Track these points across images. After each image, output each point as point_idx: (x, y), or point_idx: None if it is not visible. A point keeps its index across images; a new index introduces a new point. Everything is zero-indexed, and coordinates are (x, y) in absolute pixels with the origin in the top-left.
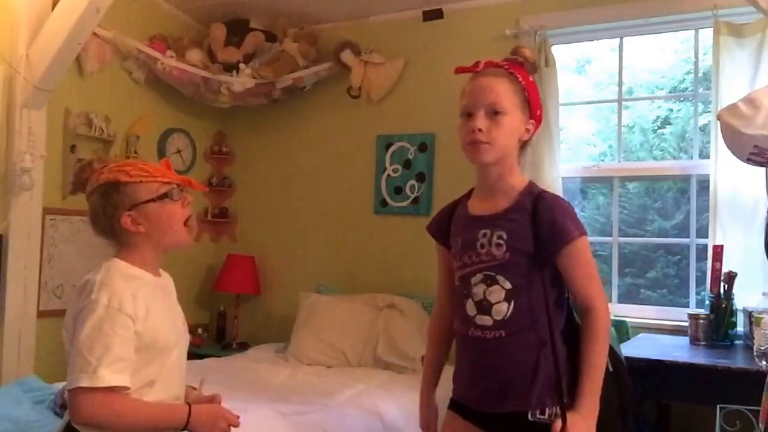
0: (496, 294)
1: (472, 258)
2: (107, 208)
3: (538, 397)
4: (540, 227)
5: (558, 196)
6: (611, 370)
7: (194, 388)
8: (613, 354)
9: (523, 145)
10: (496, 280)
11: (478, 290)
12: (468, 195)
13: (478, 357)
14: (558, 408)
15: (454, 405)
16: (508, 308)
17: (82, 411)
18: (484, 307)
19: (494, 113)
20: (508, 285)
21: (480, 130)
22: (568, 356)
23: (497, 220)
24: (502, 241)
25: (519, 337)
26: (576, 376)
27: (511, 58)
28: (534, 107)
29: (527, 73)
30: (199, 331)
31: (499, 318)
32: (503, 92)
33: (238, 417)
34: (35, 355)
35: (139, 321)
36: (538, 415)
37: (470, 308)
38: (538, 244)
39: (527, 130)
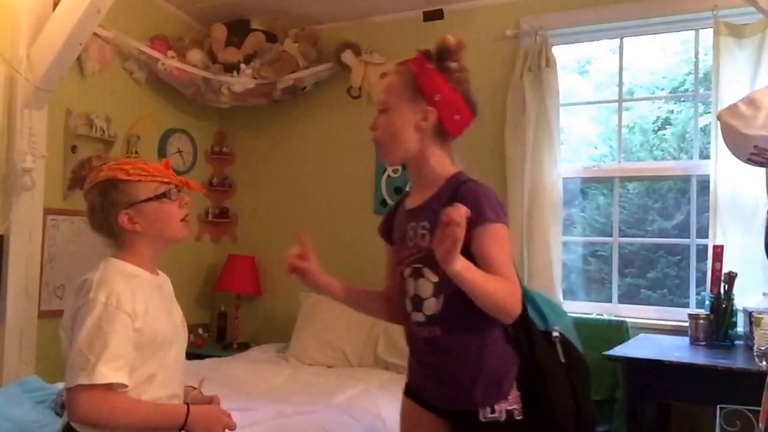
0: (425, 288)
1: (404, 252)
2: (105, 206)
3: (485, 396)
4: None
5: (482, 184)
6: (563, 361)
7: (194, 388)
8: (569, 347)
9: (440, 134)
10: (423, 273)
11: (410, 285)
12: (408, 194)
13: (422, 355)
14: (505, 404)
15: (408, 392)
16: (437, 303)
17: (80, 409)
18: (416, 303)
19: (380, 112)
20: (434, 278)
21: (372, 129)
22: (516, 355)
23: (422, 210)
24: (425, 231)
25: (455, 335)
26: (521, 376)
27: (422, 50)
28: (428, 93)
29: (426, 60)
30: (200, 331)
31: (430, 313)
32: (388, 89)
33: (234, 421)
34: (36, 355)
35: (138, 318)
36: (488, 415)
37: (407, 305)
38: None
39: (424, 118)
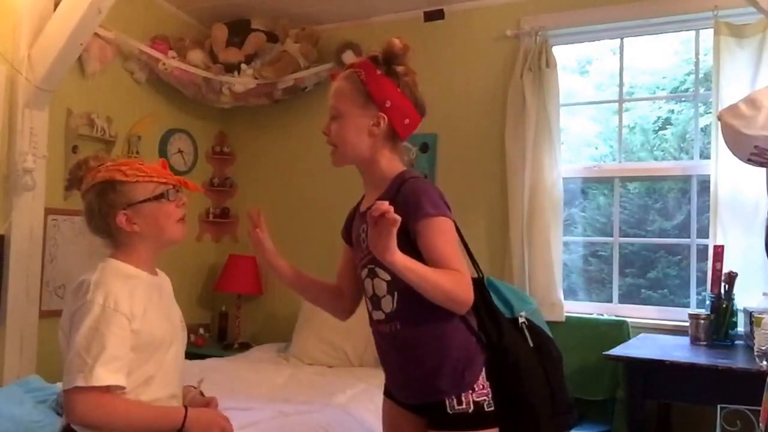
0: (380, 287)
1: (359, 254)
2: (102, 207)
3: (450, 387)
4: (399, 207)
5: (425, 182)
6: (532, 345)
7: (194, 387)
8: (538, 332)
9: (390, 137)
10: (376, 273)
11: (368, 285)
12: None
13: (386, 352)
14: (472, 395)
15: (387, 392)
16: (393, 300)
17: (78, 410)
18: (375, 301)
19: (332, 118)
20: (387, 276)
21: (325, 134)
22: (481, 345)
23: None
24: None
25: (414, 328)
26: (492, 365)
27: (369, 54)
28: (379, 100)
29: (373, 66)
30: (201, 331)
31: (388, 311)
32: (338, 95)
33: (231, 425)
34: (37, 355)
35: (136, 319)
36: (456, 407)
37: (368, 304)
38: (403, 226)
39: (376, 124)
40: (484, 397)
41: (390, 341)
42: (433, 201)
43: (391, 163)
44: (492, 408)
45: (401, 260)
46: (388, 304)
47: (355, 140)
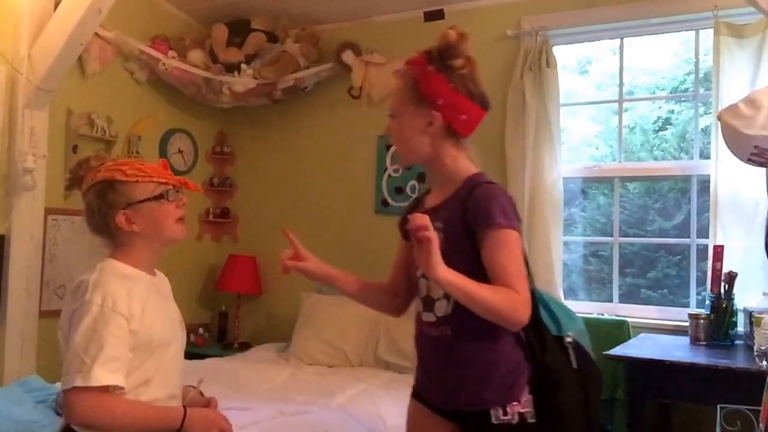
0: (435, 290)
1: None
2: (102, 207)
3: (498, 398)
4: (468, 211)
5: (499, 188)
6: (575, 367)
7: (193, 387)
8: (582, 353)
9: (451, 134)
10: None
11: (422, 285)
12: (429, 190)
13: (430, 354)
14: (518, 406)
15: (416, 395)
16: (449, 305)
17: (76, 411)
18: (428, 303)
19: (390, 117)
20: None
21: (386, 134)
22: (528, 357)
23: (438, 210)
24: (438, 231)
25: (466, 336)
26: (533, 380)
27: (425, 49)
28: (431, 99)
29: (426, 62)
30: (201, 331)
31: (441, 315)
32: (395, 95)
33: (231, 425)
34: (37, 354)
35: (134, 320)
36: (501, 417)
37: (418, 305)
38: (469, 231)
39: (430, 123)
40: (528, 409)
41: (436, 345)
42: (504, 211)
43: (458, 162)
44: (534, 421)
45: (446, 277)
46: (442, 308)
47: (412, 140)
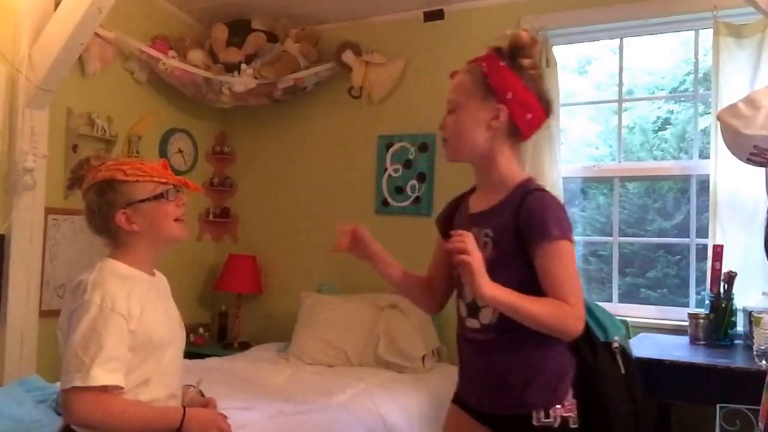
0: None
1: None
2: (102, 206)
3: (540, 399)
4: (521, 220)
5: (552, 197)
6: (623, 372)
7: (193, 386)
8: (628, 358)
9: (511, 134)
10: None
11: (467, 290)
12: (473, 190)
13: (473, 358)
14: (561, 410)
15: (458, 400)
16: (495, 313)
17: (75, 411)
18: (473, 309)
19: (449, 111)
20: None
21: (441, 128)
22: (574, 361)
23: (486, 216)
24: (488, 239)
25: (510, 339)
26: (581, 385)
27: (494, 46)
28: (500, 91)
29: (498, 58)
30: (201, 330)
31: (486, 322)
32: (458, 87)
33: (230, 426)
34: (37, 354)
35: (133, 320)
36: (543, 419)
37: (462, 309)
38: (521, 240)
39: (495, 117)
40: (571, 414)
41: (479, 349)
42: (560, 222)
43: (511, 165)
44: (576, 426)
45: (494, 296)
46: (488, 315)
47: (471, 133)
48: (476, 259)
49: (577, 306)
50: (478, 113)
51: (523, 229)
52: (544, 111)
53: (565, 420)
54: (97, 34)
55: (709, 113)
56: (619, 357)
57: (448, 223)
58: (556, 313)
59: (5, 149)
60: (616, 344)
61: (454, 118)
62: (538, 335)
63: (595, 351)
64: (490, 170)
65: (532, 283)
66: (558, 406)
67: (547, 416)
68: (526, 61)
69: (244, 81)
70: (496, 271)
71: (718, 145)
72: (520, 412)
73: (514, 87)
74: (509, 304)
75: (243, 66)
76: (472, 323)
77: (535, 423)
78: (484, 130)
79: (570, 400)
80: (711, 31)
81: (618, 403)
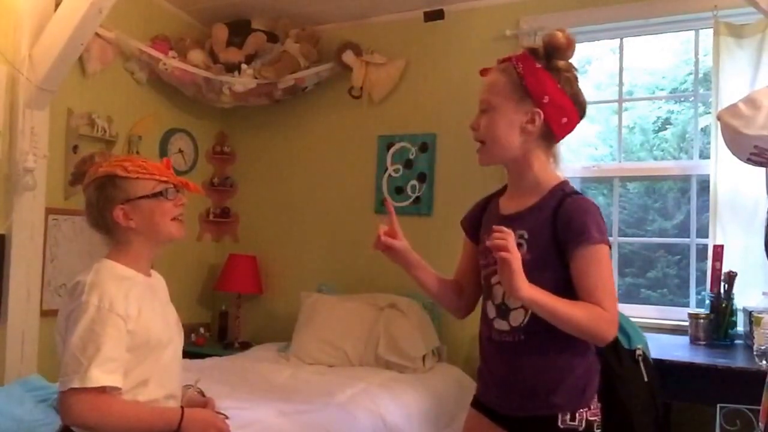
0: (514, 299)
1: (490, 258)
2: (101, 200)
3: (567, 402)
4: (558, 223)
5: (590, 201)
6: (647, 380)
7: (191, 386)
8: (650, 366)
9: (545, 137)
10: None
11: (498, 292)
12: (503, 191)
13: (499, 360)
14: (587, 413)
15: (477, 404)
16: (526, 315)
17: (73, 412)
18: (503, 311)
19: (483, 111)
20: None
21: (473, 128)
22: (599, 368)
23: (520, 218)
24: (522, 241)
25: (540, 341)
26: (605, 391)
27: (528, 47)
28: (537, 95)
29: (534, 60)
30: (201, 330)
31: (516, 324)
32: (492, 88)
33: (228, 426)
34: (38, 354)
35: (131, 320)
36: (568, 422)
37: (490, 310)
38: (558, 243)
39: (531, 120)
40: (596, 418)
41: (506, 350)
42: (599, 225)
43: (546, 168)
44: (600, 431)
45: (531, 296)
46: (519, 317)
47: (505, 136)
48: (516, 257)
49: (611, 310)
50: (513, 116)
51: (560, 232)
52: (578, 114)
53: (590, 424)
54: (97, 35)
55: (710, 113)
56: (642, 365)
57: (475, 224)
58: (591, 317)
59: (6, 149)
60: (639, 352)
61: (488, 120)
62: (566, 338)
63: (619, 358)
64: (525, 173)
65: (564, 286)
66: (584, 410)
67: (573, 419)
68: (561, 63)
69: (244, 81)
70: (528, 273)
71: (718, 145)
72: (545, 414)
73: (550, 90)
74: (545, 305)
75: (243, 66)
76: (501, 325)
77: (560, 425)
78: (518, 133)
79: (596, 404)
80: (711, 31)
81: (641, 410)
